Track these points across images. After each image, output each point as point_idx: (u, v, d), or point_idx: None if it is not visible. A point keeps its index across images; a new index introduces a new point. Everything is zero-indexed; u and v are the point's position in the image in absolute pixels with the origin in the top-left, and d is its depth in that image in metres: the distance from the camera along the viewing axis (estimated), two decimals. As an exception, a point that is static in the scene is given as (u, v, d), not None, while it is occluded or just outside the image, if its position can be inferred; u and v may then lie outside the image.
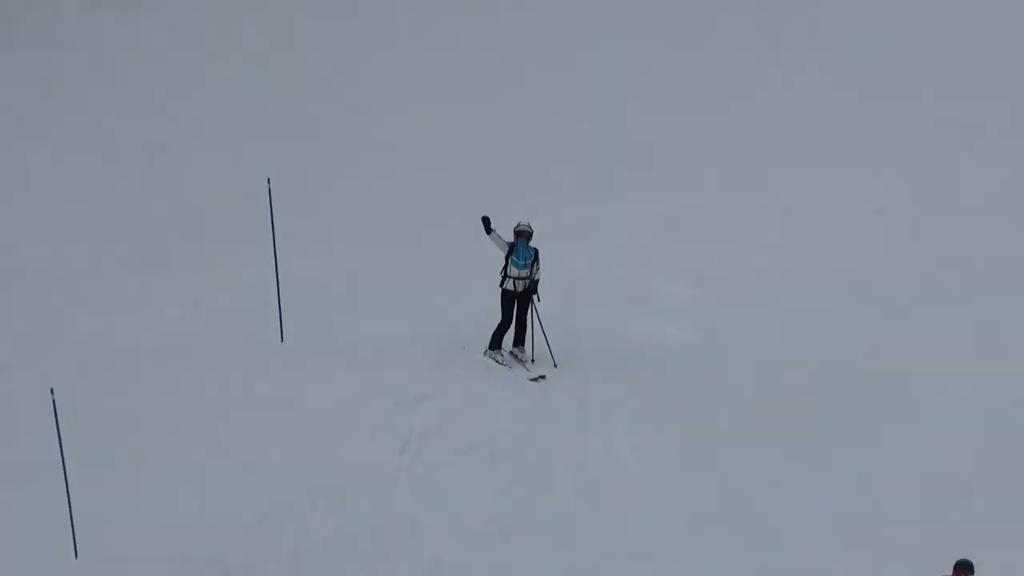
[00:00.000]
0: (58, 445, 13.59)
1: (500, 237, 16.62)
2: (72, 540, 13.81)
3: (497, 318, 16.70)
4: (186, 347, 18.69)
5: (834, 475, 15.34)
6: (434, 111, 26.78)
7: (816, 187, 25.16)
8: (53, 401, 14.07)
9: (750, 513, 14.94)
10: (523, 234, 16.39)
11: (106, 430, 16.30)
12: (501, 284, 16.41)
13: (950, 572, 12.06)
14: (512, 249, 16.43)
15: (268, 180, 17.98)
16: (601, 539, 14.53)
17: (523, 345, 16.72)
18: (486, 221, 16.86)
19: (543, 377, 16.57)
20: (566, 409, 16.74)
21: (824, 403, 17.01)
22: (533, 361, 17.04)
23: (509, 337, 17.14)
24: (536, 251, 16.36)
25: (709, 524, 14.74)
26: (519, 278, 16.30)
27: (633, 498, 15.24)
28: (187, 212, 23.92)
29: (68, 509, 13.59)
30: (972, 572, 12.40)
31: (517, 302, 16.51)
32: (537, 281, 16.52)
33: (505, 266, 16.44)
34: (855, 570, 13.71)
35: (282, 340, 18.31)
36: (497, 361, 16.64)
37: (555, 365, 16.65)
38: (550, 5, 30.83)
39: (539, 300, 16.54)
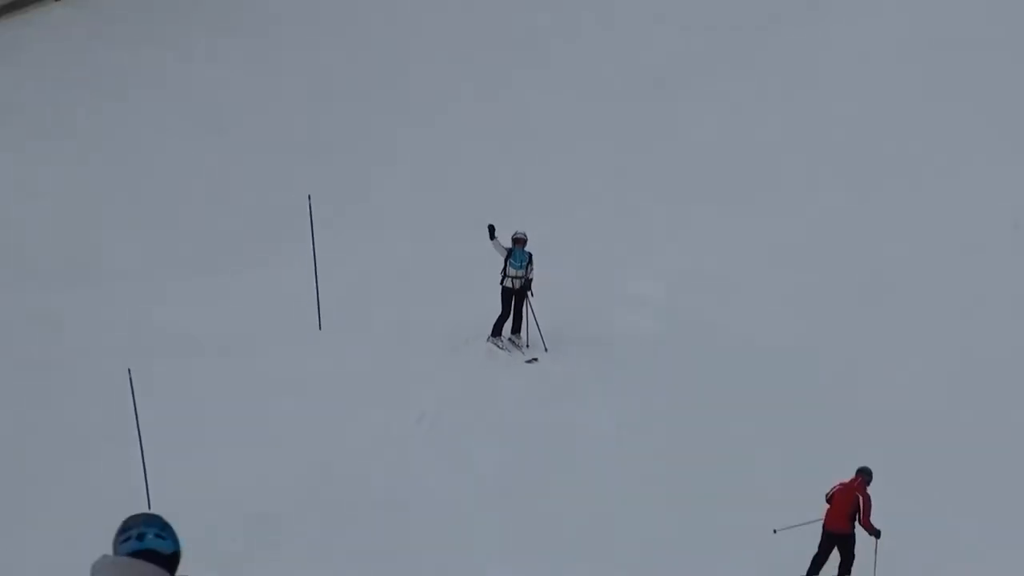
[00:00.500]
0: (134, 416, 16.09)
1: (500, 244, 18.86)
2: (146, 493, 16.25)
3: (498, 311, 18.98)
4: (241, 333, 21.11)
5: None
6: (445, 125, 27.42)
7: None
8: (130, 379, 16.52)
9: (706, 469, 17.07)
10: (519, 241, 18.76)
11: (175, 403, 18.55)
12: (501, 282, 18.80)
13: (853, 479, 14.77)
14: (510, 253, 18.67)
15: (308, 197, 20.36)
16: (582, 489, 16.85)
17: (519, 333, 19.13)
18: (491, 229, 19.08)
19: (536, 359, 18.98)
20: (555, 385, 19.24)
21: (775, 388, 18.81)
22: (528, 346, 19.39)
23: (509, 327, 19.44)
24: (530, 255, 18.66)
25: (671, 477, 17.18)
26: (516, 277, 18.74)
27: (609, 456, 17.76)
28: (245, 218, 25.38)
29: (143, 468, 16.20)
30: (871, 477, 14.84)
31: (515, 297, 18.94)
32: (531, 280, 18.83)
33: (504, 267, 18.79)
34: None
35: (320, 328, 20.85)
36: (498, 346, 19.23)
37: (546, 350, 19.12)
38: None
39: (533, 295, 18.90)
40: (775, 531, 14.97)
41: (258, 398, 19.42)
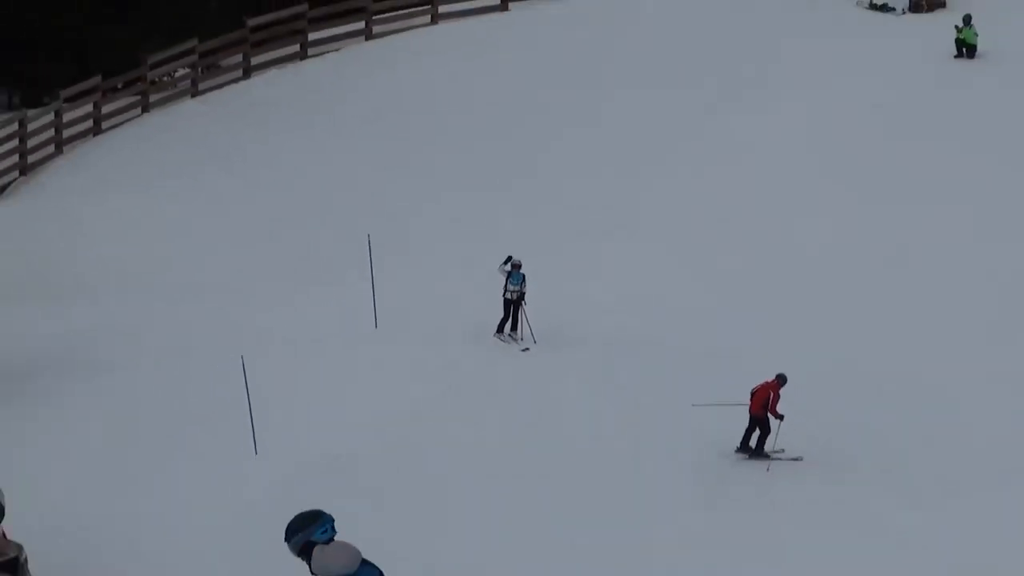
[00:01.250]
0: (245, 393, 21.51)
1: (506, 270, 25.57)
2: (252, 439, 21.50)
3: (500, 315, 25.41)
4: (317, 330, 26.39)
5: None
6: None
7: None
8: (243, 364, 21.50)
9: (660, 435, 22.59)
10: (516, 266, 25.30)
11: (268, 384, 23.09)
12: (503, 295, 25.32)
13: (771, 380, 21.38)
14: (510, 275, 25.24)
15: (368, 236, 26.18)
16: (561, 437, 22.54)
17: (516, 331, 25.53)
18: (508, 259, 25.62)
19: (527, 349, 25.65)
20: (541, 366, 24.86)
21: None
22: (522, 339, 25.53)
23: (509, 326, 26.01)
24: (524, 276, 25.19)
25: (633, 427, 22.74)
26: (514, 291, 25.30)
27: (579, 411, 23.48)
28: (322, 239, 30.84)
29: (251, 425, 21.31)
30: (784, 382, 21.33)
31: (513, 306, 25.44)
32: (524, 293, 25.30)
33: (506, 284, 25.26)
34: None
35: (376, 326, 26.40)
36: (501, 340, 25.60)
37: (535, 342, 25.24)
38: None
39: (526, 304, 25.27)
40: (693, 405, 21.86)
41: (330, 377, 24.57)
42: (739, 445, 22.20)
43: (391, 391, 25.26)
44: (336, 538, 6.61)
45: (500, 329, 25.94)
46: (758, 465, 21.85)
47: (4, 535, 12.99)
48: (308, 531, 6.54)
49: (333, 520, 6.64)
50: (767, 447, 22.22)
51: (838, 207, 30.27)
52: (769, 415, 21.92)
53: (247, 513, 20.31)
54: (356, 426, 24.00)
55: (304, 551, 6.60)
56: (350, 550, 6.61)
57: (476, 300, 27.12)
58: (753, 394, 22.08)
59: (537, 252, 27.53)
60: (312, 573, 6.54)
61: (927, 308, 27.22)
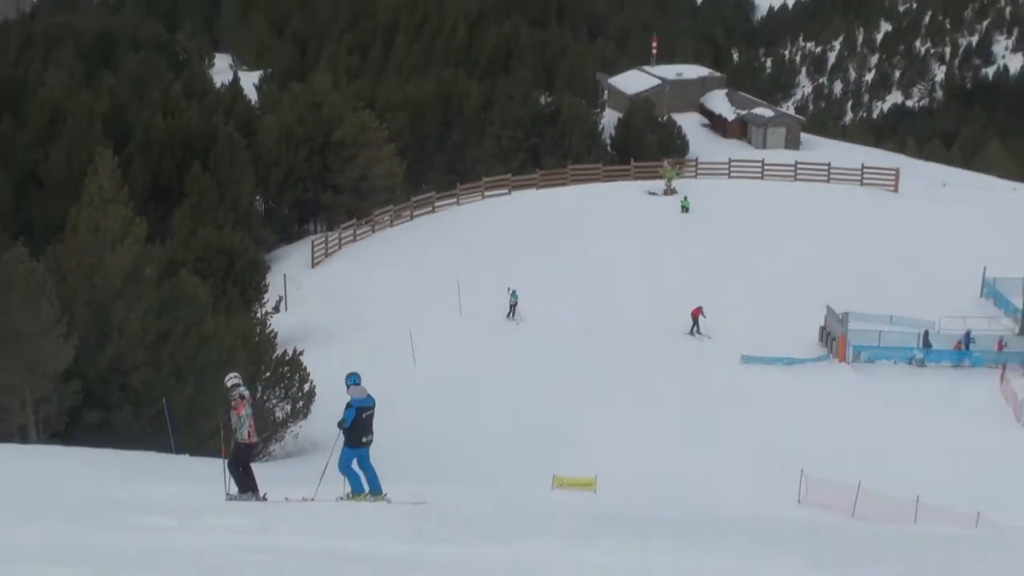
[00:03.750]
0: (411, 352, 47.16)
1: (509, 293, 54.80)
2: (411, 355, 46.87)
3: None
4: (429, 317, 52.25)
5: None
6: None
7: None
8: (411, 337, 46.51)
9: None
10: (514, 294, 54.78)
11: (430, 352, 48.11)
12: (510, 302, 55.30)
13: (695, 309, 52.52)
14: (513, 294, 54.86)
15: (458, 284, 53.81)
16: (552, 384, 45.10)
17: (515, 317, 55.35)
18: (513, 292, 54.32)
19: (519, 323, 54.72)
20: (531, 334, 53.29)
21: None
22: (522, 320, 54.18)
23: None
24: (516, 293, 54.90)
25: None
26: (513, 304, 54.90)
27: (579, 372, 45.70)
28: (457, 265, 58.09)
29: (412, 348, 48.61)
30: (701, 311, 52.09)
31: (513, 308, 54.65)
32: (516, 303, 54.87)
33: (509, 298, 54.72)
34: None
35: (460, 313, 53.56)
36: (509, 319, 55.21)
37: (518, 323, 55.36)
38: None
39: (519, 306, 56.05)
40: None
41: (436, 346, 47.68)
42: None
43: (470, 352, 48.08)
44: (359, 384, 16.47)
45: (510, 315, 54.49)
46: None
47: (253, 425, 18.22)
48: (350, 378, 16.44)
49: (359, 376, 16.39)
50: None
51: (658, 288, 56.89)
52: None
53: (413, 386, 42.73)
54: (446, 373, 44.84)
55: (345, 384, 16.72)
56: (361, 389, 16.34)
57: (499, 300, 54.70)
58: (692, 313, 50.80)
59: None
60: (349, 395, 16.24)
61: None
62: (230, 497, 17.70)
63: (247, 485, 17.94)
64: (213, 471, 19.10)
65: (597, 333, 51.18)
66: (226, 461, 18.10)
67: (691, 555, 12.52)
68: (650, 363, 47.38)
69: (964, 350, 50.20)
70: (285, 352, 37.90)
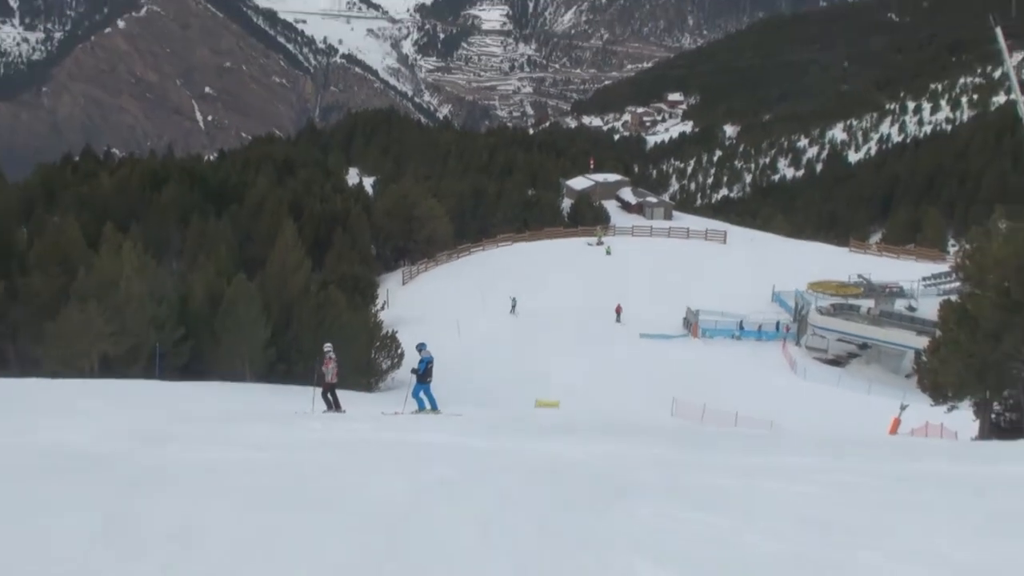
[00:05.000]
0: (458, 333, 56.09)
1: (511, 301, 62.42)
2: (457, 333, 58.52)
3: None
4: (477, 313, 69.21)
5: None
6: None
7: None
8: (458, 324, 60.71)
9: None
10: (513, 304, 62.34)
11: (470, 345, 59.42)
12: (512, 309, 65.86)
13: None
14: (513, 304, 62.62)
15: (482, 293, 69.22)
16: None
17: (513, 311, 65.68)
18: (514, 301, 61.73)
19: (516, 314, 66.32)
20: (529, 328, 68.16)
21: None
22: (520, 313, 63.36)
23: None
24: (516, 301, 64.24)
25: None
26: (512, 310, 62.74)
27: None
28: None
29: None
30: (621, 309, 54.49)
31: (513, 309, 64.82)
32: (515, 305, 65.26)
33: (511, 306, 63.94)
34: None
35: (484, 310, 64.13)
36: (511, 312, 65.37)
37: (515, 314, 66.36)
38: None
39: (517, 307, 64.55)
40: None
41: (490, 338, 60.81)
42: None
43: (515, 340, 62.13)
44: (426, 348, 21.71)
45: (512, 310, 61.26)
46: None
47: (336, 372, 22.98)
48: (420, 345, 21.56)
49: (426, 344, 20.76)
50: None
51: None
52: None
53: (457, 350, 51.61)
54: (482, 359, 50.46)
55: (417, 349, 21.72)
56: (426, 352, 20.98)
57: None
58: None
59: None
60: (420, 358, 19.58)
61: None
62: (323, 412, 22.51)
63: (333, 405, 22.59)
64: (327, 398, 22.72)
65: (561, 321, 63.36)
66: (319, 390, 23.18)
67: (610, 444, 15.20)
68: (589, 338, 58.22)
69: (761, 331, 66.74)
70: (387, 332, 48.54)
